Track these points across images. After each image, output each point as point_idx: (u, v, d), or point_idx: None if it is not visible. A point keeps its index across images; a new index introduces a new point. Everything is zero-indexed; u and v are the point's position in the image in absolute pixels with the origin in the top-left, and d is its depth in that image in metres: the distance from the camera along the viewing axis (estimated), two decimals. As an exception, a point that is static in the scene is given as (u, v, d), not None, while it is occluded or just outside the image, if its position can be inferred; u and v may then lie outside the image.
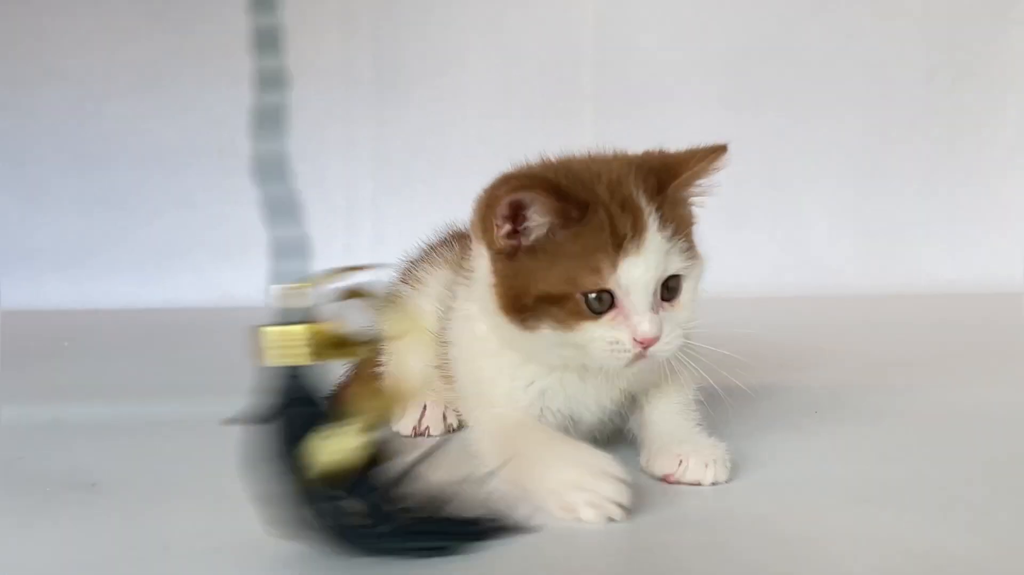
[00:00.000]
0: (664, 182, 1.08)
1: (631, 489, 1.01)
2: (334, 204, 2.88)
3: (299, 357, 0.87)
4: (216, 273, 2.81)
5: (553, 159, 1.16)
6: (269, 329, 0.87)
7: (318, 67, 2.84)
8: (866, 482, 1.13)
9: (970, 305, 2.57)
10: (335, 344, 0.88)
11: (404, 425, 1.35)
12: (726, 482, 1.10)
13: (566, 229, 1.06)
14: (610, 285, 1.05)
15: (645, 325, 1.05)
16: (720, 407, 1.26)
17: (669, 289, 1.08)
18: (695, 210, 1.15)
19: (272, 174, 0.84)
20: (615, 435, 1.23)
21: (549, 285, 1.07)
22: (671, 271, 1.07)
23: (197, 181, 2.87)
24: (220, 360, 1.96)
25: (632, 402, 1.21)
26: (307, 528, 0.87)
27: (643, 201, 1.06)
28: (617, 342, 1.06)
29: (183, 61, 2.82)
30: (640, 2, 2.86)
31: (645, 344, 1.05)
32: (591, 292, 1.06)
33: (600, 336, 1.06)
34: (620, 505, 0.99)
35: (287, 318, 0.87)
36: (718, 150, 1.11)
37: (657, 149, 1.17)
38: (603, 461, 1.03)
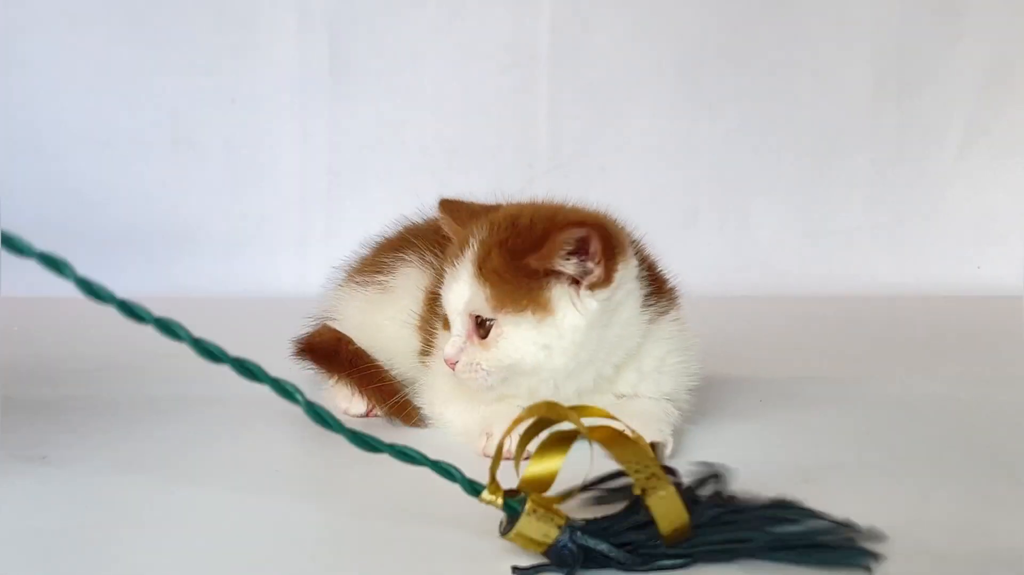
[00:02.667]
0: (515, 252, 1.17)
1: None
2: (288, 197, 2.87)
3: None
4: (168, 263, 2.79)
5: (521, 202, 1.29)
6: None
7: (273, 59, 2.84)
8: (806, 465, 1.17)
9: (913, 307, 2.62)
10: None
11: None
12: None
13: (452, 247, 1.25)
14: (442, 298, 1.23)
15: (448, 347, 1.19)
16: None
17: (485, 328, 1.18)
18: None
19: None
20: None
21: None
22: (473, 310, 1.18)
23: (150, 170, 2.85)
24: (168, 346, 1.96)
25: None
26: None
27: (471, 241, 1.20)
28: (441, 353, 1.21)
29: (138, 50, 2.80)
30: (596, 4, 2.89)
31: (448, 363, 1.19)
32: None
33: (439, 345, 1.26)
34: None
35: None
36: (569, 228, 1.15)
37: (564, 211, 1.24)
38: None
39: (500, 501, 0.86)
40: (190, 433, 1.32)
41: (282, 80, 2.85)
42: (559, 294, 1.16)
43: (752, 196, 2.93)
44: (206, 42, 2.81)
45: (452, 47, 2.88)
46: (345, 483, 1.10)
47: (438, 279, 1.32)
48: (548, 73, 2.89)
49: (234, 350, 1.73)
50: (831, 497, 1.03)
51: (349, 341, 1.42)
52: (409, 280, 1.43)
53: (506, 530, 0.85)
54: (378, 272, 1.46)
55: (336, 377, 1.40)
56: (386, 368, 1.38)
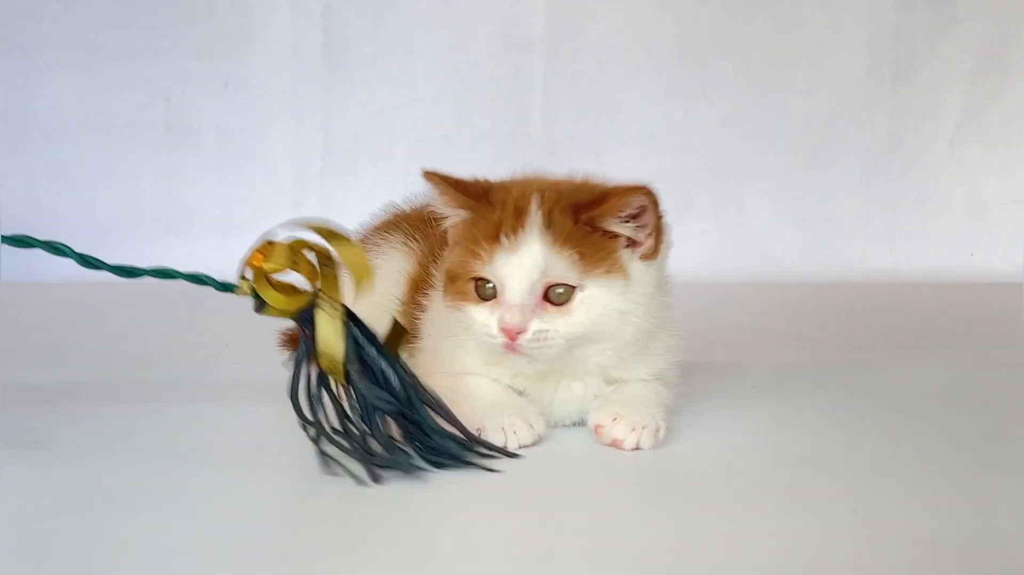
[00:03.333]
0: (576, 207, 1.15)
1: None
2: (281, 182, 2.86)
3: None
4: (160, 248, 2.78)
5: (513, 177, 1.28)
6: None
7: (267, 44, 2.83)
8: (798, 450, 1.18)
9: (906, 294, 2.62)
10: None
11: None
12: (650, 449, 1.14)
13: (472, 222, 1.20)
14: (487, 273, 1.15)
15: (508, 314, 1.13)
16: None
17: (558, 294, 1.14)
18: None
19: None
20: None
21: (451, 264, 1.21)
22: (554, 278, 1.13)
23: (143, 155, 2.84)
24: (160, 331, 1.96)
25: None
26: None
27: (533, 210, 1.15)
28: (487, 326, 1.15)
29: (130, 34, 2.79)
30: (590, -10, 2.89)
31: (508, 333, 1.13)
32: (476, 277, 1.16)
33: (476, 318, 1.17)
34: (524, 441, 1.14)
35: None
36: (628, 193, 1.15)
37: (593, 181, 1.25)
38: (521, 405, 1.19)
39: (249, 291, 1.08)
40: (183, 417, 1.31)
41: (276, 65, 2.84)
42: (627, 258, 1.17)
43: (746, 183, 2.93)
44: (199, 26, 2.80)
45: (446, 32, 2.87)
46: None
47: (423, 262, 1.33)
48: (542, 59, 2.89)
49: (226, 335, 1.74)
50: (822, 482, 1.04)
51: None
52: (391, 262, 1.43)
53: (258, 308, 1.08)
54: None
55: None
56: None
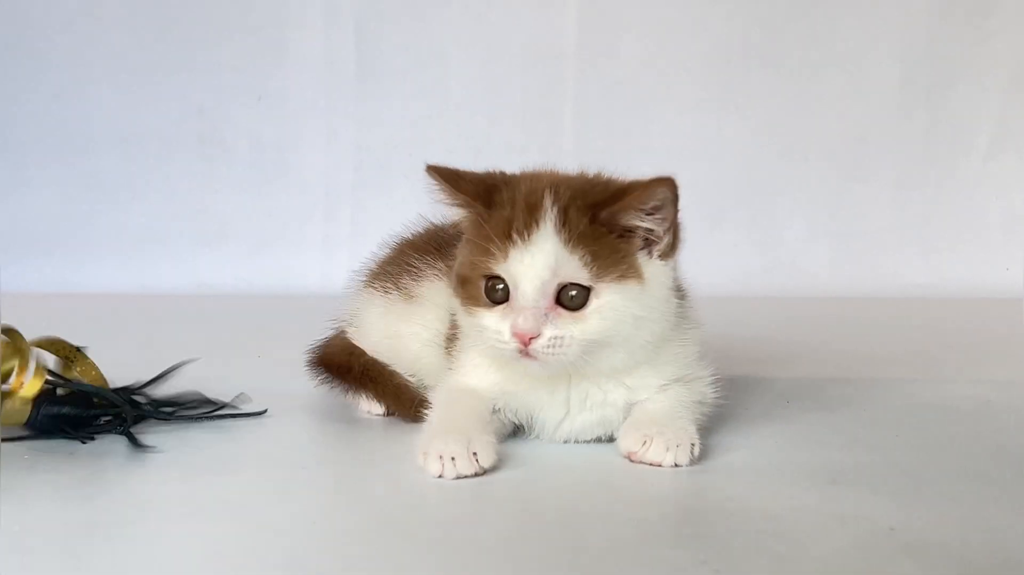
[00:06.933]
0: (595, 204, 1.11)
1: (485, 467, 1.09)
2: (314, 194, 2.88)
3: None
4: (193, 260, 2.80)
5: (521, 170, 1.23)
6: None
7: (301, 57, 2.85)
8: (834, 466, 1.16)
9: (942, 309, 2.60)
10: None
11: None
12: (688, 465, 1.12)
13: (483, 220, 1.15)
14: (500, 271, 1.11)
15: (520, 319, 1.09)
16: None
17: (571, 298, 1.10)
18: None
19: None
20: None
21: (461, 267, 1.17)
22: (566, 278, 1.10)
23: (177, 168, 2.87)
24: (193, 345, 1.97)
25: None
26: None
27: (547, 206, 1.10)
28: (500, 332, 1.12)
29: (165, 47, 2.82)
30: (622, 3, 2.88)
31: (521, 339, 1.09)
32: (488, 277, 1.12)
33: (488, 324, 1.13)
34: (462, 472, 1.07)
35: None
36: (653, 185, 1.12)
37: (607, 176, 1.21)
38: (474, 434, 1.11)
39: None
40: (213, 427, 1.31)
41: (309, 78, 2.86)
42: (642, 260, 1.13)
43: (779, 196, 2.92)
44: (233, 40, 2.83)
45: (478, 45, 2.88)
46: (365, 477, 1.11)
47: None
48: (574, 72, 2.89)
49: (258, 347, 1.74)
50: (859, 499, 1.03)
51: (361, 353, 1.40)
52: (436, 293, 1.36)
53: None
54: (402, 277, 1.40)
55: (351, 390, 1.39)
56: (400, 375, 1.36)
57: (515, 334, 1.10)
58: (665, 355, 1.21)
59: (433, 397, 1.23)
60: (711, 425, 1.27)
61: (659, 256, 1.15)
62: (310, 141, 2.88)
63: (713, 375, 1.27)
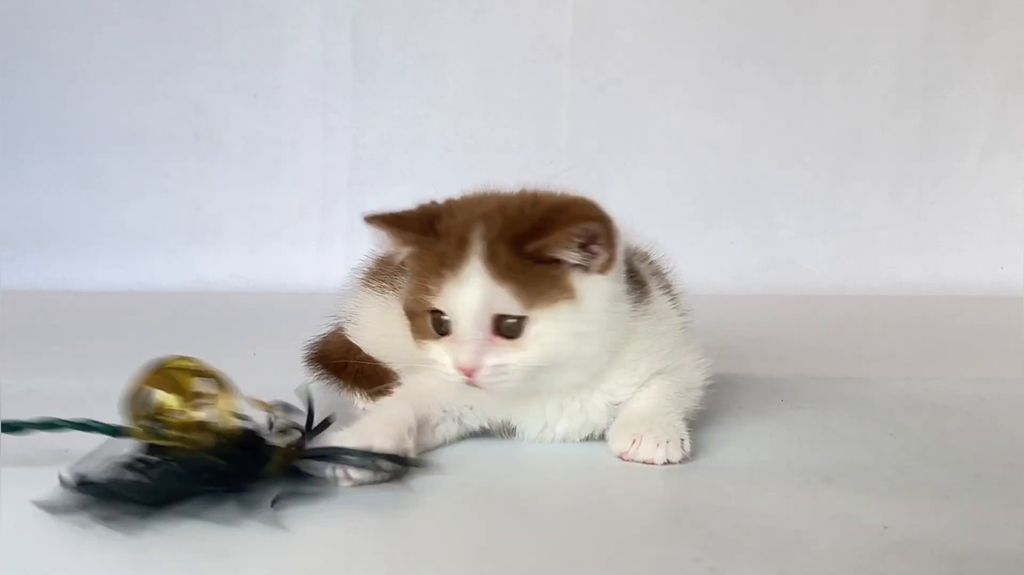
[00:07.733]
0: (520, 237, 1.10)
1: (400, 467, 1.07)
2: (310, 192, 2.88)
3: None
4: (189, 257, 2.80)
5: (460, 196, 1.21)
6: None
7: (297, 55, 2.85)
8: (828, 464, 1.16)
9: (937, 307, 2.60)
10: None
11: None
12: (680, 462, 1.13)
13: (420, 256, 1.16)
14: (439, 306, 1.12)
15: (462, 354, 1.11)
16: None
17: (508, 327, 1.11)
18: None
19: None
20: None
21: (407, 302, 1.19)
22: (498, 310, 1.10)
23: (173, 165, 2.86)
24: (190, 342, 1.96)
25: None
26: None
27: (474, 240, 1.10)
28: (445, 364, 1.13)
29: (162, 45, 2.81)
30: (619, 1, 2.88)
31: (465, 372, 1.11)
32: (431, 311, 1.13)
33: (435, 357, 1.15)
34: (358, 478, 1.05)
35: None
36: (578, 220, 1.10)
37: (544, 199, 1.17)
38: (382, 434, 1.10)
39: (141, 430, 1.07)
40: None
41: (305, 75, 2.86)
42: (575, 277, 1.12)
43: (775, 194, 2.92)
44: (229, 37, 2.82)
45: (475, 43, 2.88)
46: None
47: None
48: (570, 70, 2.89)
49: (254, 345, 1.74)
50: (852, 496, 1.03)
51: (358, 351, 1.40)
52: None
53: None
54: (397, 277, 1.38)
55: (345, 387, 1.40)
56: (394, 374, 1.35)
57: (457, 367, 1.11)
58: (632, 353, 1.21)
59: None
60: (705, 422, 1.27)
61: (597, 271, 1.13)
62: (306, 138, 2.88)
63: (700, 358, 1.28)
